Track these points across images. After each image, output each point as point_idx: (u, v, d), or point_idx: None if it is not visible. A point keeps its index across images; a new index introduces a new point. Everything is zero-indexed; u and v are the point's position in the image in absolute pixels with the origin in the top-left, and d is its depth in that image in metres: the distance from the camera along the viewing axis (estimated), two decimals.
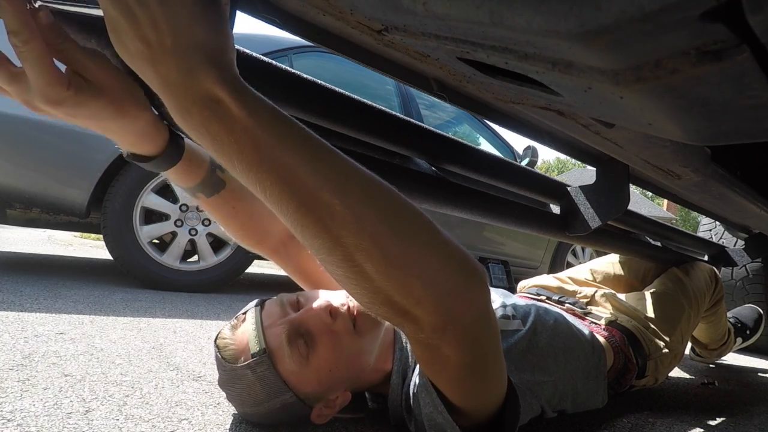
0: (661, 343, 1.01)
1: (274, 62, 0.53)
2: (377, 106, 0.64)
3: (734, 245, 1.84)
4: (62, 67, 0.41)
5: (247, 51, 0.51)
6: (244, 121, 0.36)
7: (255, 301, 0.71)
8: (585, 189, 0.92)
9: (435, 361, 0.48)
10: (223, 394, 0.79)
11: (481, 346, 0.47)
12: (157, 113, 0.50)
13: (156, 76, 0.36)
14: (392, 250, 0.39)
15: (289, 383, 0.63)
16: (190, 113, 0.37)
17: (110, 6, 0.34)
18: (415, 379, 0.64)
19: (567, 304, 1.07)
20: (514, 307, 0.84)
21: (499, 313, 0.81)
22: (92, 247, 4.49)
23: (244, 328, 0.66)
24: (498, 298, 0.87)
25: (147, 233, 1.91)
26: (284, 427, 0.70)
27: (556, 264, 3.26)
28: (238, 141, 0.36)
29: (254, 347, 0.62)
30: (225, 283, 2.06)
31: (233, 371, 0.63)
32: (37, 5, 0.38)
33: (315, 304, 0.67)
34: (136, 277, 1.90)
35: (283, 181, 0.37)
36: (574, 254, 3.43)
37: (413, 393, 0.63)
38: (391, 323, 0.43)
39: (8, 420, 0.60)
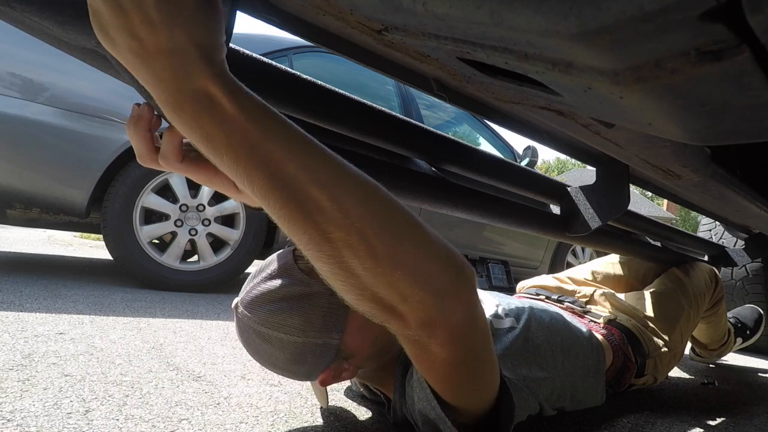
0: (660, 342, 1.01)
1: (273, 62, 0.53)
2: (377, 106, 0.64)
3: (734, 245, 1.84)
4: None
5: (247, 51, 0.51)
6: (236, 116, 0.37)
7: None
8: (585, 189, 0.92)
9: (423, 358, 0.48)
10: (223, 393, 0.80)
11: (470, 344, 0.47)
12: (156, 111, 0.50)
13: (148, 72, 0.36)
14: (380, 247, 0.39)
15: (348, 326, 0.63)
16: (182, 108, 0.37)
17: (98, 1, 0.35)
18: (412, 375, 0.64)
19: (566, 303, 1.07)
20: (507, 307, 0.84)
21: (491, 312, 0.81)
22: (92, 247, 4.49)
23: None
24: (491, 299, 0.87)
25: (147, 233, 1.91)
26: (285, 429, 0.70)
27: (556, 264, 3.26)
28: (228, 135, 0.37)
29: None
30: (225, 283, 2.06)
31: (306, 285, 0.61)
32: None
33: None
34: (136, 277, 1.90)
35: (272, 176, 0.37)
36: (574, 254, 3.44)
37: (410, 389, 0.63)
38: (377, 320, 0.43)
39: (8, 420, 0.60)
